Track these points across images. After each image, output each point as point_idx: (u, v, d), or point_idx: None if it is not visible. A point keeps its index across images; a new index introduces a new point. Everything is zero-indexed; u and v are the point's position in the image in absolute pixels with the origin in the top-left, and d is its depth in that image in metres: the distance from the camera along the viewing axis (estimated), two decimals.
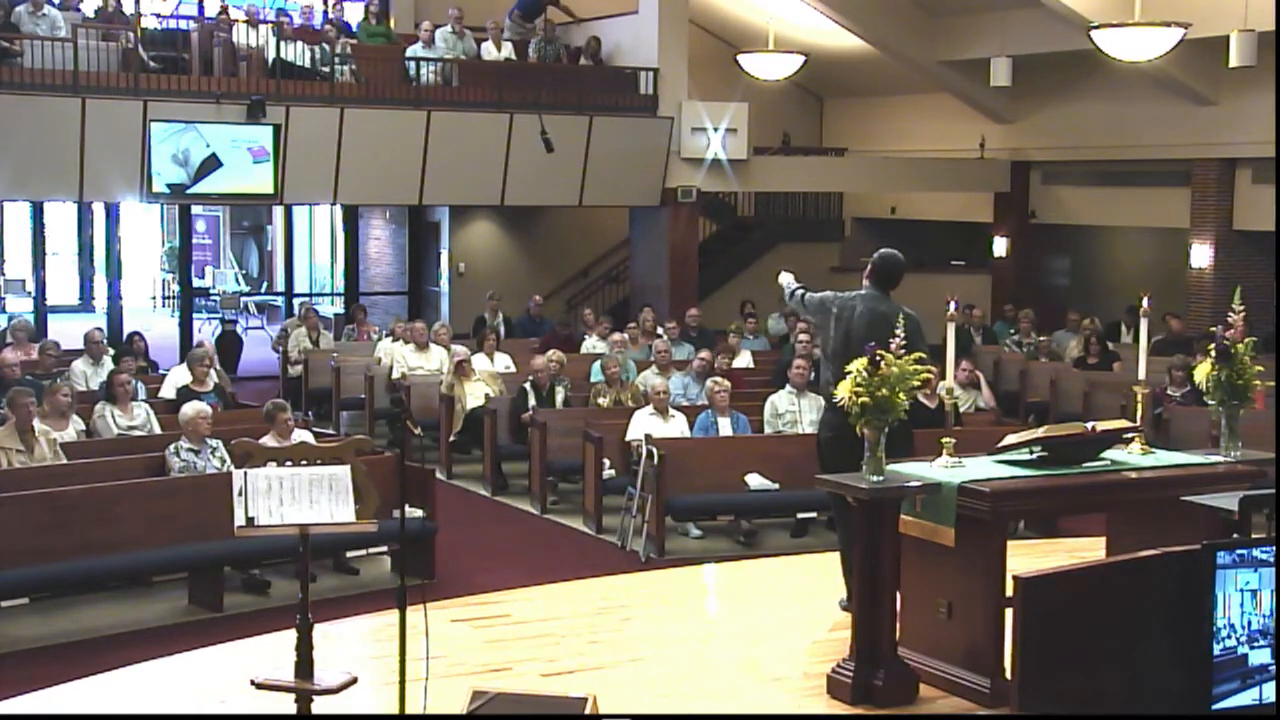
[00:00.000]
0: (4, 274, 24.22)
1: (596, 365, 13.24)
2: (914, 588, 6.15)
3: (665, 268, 18.87)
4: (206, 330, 21.38)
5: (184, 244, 20.54)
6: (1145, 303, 6.91)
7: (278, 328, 19.11)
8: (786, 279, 7.94)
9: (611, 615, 7.41)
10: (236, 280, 26.46)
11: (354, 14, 19.44)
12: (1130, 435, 6.62)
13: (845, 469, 6.10)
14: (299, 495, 5.40)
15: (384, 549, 9.71)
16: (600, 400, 12.32)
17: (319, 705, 5.43)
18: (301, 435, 9.62)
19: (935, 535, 5.96)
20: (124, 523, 8.49)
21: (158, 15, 18.40)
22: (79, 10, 17.04)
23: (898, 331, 6.02)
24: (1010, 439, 6.38)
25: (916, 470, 6.10)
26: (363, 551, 9.67)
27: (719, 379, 11.55)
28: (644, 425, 10.98)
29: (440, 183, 17.32)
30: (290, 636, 5.46)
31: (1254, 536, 5.44)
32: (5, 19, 15.56)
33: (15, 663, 7.70)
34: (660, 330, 15.81)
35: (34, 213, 20.66)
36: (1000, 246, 21.12)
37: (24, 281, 22.65)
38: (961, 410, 11.94)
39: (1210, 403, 6.90)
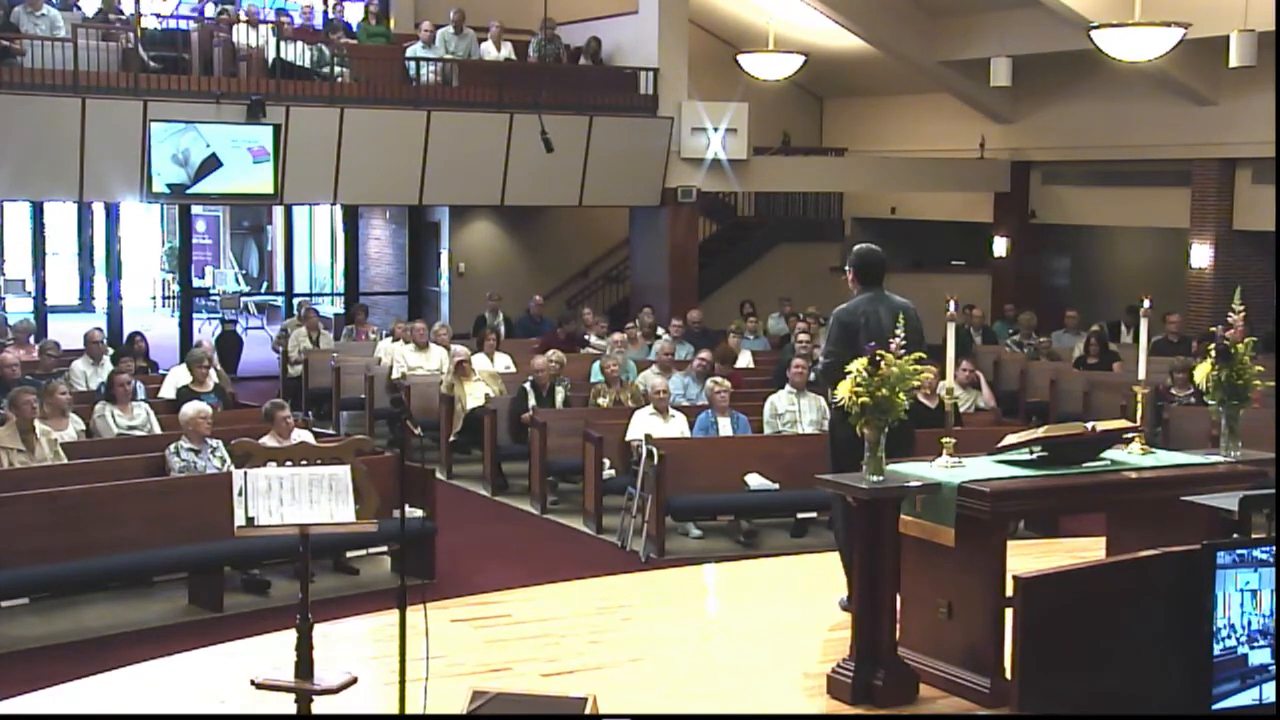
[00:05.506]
0: (4, 274, 24.22)
1: (596, 365, 13.25)
2: (914, 588, 6.15)
3: (665, 268, 18.88)
4: (206, 330, 21.38)
5: (184, 244, 20.54)
6: (1146, 304, 6.90)
7: (278, 328, 19.12)
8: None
9: (611, 615, 7.41)
10: (236, 280, 26.47)
11: (354, 14, 19.45)
12: (1130, 435, 6.62)
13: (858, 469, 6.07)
14: (299, 495, 5.39)
15: (384, 549, 9.72)
16: (600, 400, 12.32)
17: (319, 705, 5.42)
18: (301, 435, 9.62)
19: (935, 535, 5.95)
20: (124, 523, 8.49)
21: (158, 15, 18.39)
22: (79, 10, 17.04)
23: (898, 331, 6.02)
24: (1010, 439, 6.37)
25: (916, 470, 6.09)
26: (363, 551, 9.68)
27: (719, 379, 11.54)
28: (644, 425, 10.98)
29: (440, 183, 17.33)
30: (290, 636, 5.46)
31: (1254, 536, 5.43)
32: (5, 19, 15.56)
33: (15, 663, 7.70)
34: (661, 330, 15.84)
35: (34, 213, 20.67)
36: (1000, 246, 21.13)
37: (24, 281, 22.64)
38: (961, 410, 11.94)
39: (1210, 403, 6.90)
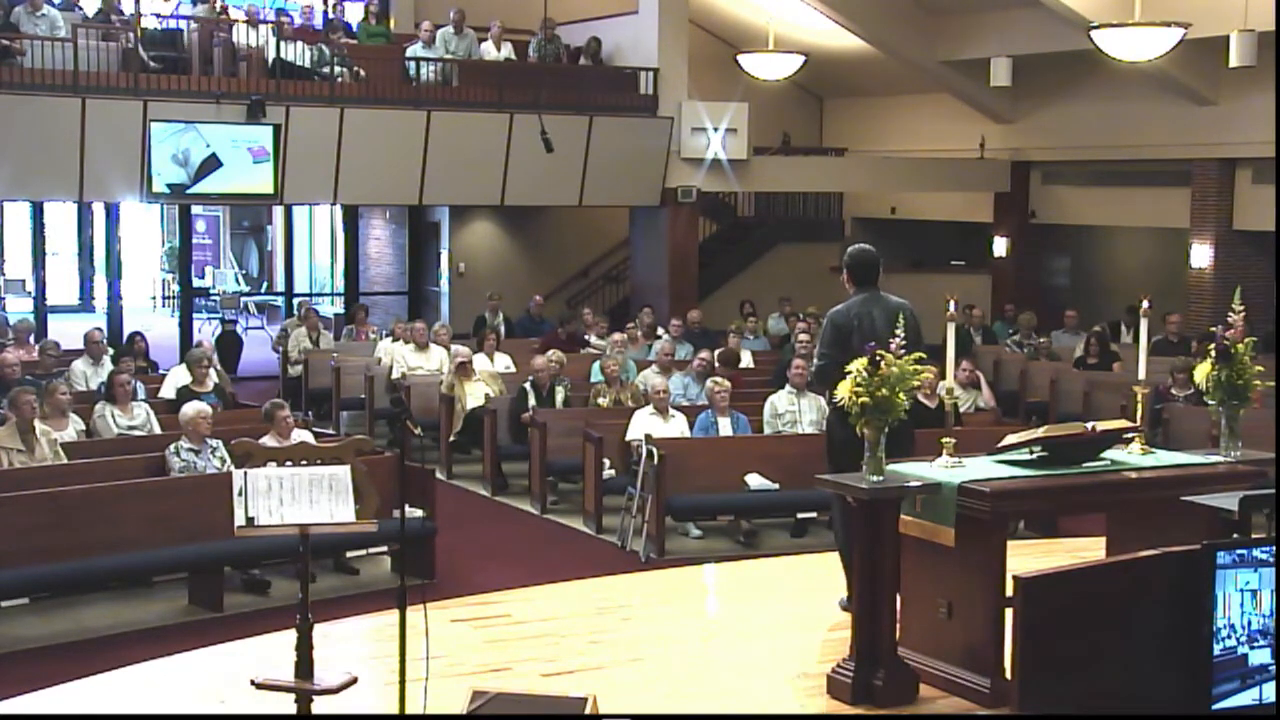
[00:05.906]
0: (4, 274, 24.22)
1: (596, 365, 13.25)
2: (914, 588, 6.14)
3: (665, 268, 18.89)
4: (206, 330, 21.38)
5: (184, 244, 20.55)
6: (1145, 304, 6.90)
7: (278, 328, 19.12)
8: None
9: (611, 615, 7.41)
10: (236, 280, 26.47)
11: (354, 14, 19.44)
12: (1130, 435, 6.61)
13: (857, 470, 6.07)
14: (299, 495, 5.39)
15: (384, 549, 9.72)
16: (600, 400, 12.32)
17: (319, 705, 5.42)
18: (301, 435, 9.62)
19: (935, 535, 5.95)
20: (124, 523, 8.49)
21: (158, 15, 18.39)
22: (79, 10, 17.04)
23: (898, 331, 6.02)
24: (1010, 439, 6.37)
25: (916, 470, 6.09)
26: (363, 551, 9.68)
27: (719, 379, 11.54)
28: (644, 425, 10.98)
29: (440, 183, 17.33)
30: (290, 636, 5.46)
31: (1254, 536, 5.43)
32: (5, 19, 15.56)
33: (15, 663, 7.70)
34: (661, 330, 15.83)
35: (34, 213, 20.66)
36: (1000, 246, 21.14)
37: (24, 281, 22.65)
38: (961, 410, 11.94)
39: (1210, 403, 6.90)
